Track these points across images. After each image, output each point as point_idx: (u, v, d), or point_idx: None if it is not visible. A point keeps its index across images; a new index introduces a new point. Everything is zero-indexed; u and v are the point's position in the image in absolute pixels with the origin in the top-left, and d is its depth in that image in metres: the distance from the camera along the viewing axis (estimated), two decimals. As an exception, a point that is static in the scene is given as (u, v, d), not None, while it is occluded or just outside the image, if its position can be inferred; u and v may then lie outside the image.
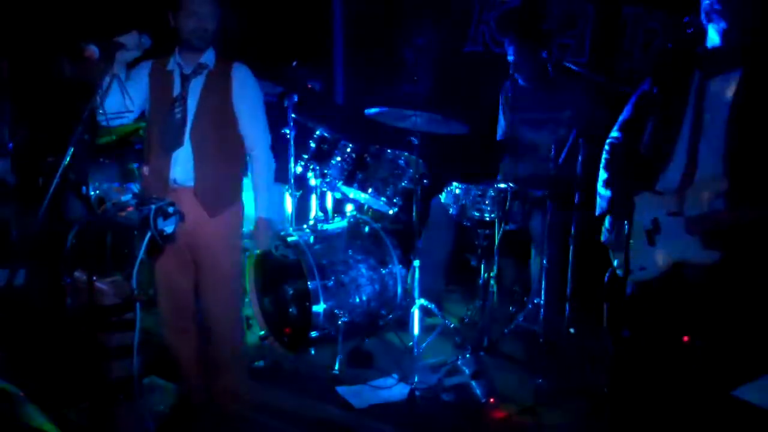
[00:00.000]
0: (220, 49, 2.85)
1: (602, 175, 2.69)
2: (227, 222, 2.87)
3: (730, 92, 2.32)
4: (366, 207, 4.28)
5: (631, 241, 2.41)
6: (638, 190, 2.50)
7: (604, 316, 3.05)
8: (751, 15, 2.30)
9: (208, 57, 2.81)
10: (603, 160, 2.72)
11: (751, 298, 2.33)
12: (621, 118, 2.72)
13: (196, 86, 2.78)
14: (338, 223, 4.20)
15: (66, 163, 2.27)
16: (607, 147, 2.72)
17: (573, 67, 3.83)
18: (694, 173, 2.38)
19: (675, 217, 2.35)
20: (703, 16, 2.39)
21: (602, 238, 2.67)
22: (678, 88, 2.42)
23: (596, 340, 3.66)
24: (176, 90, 2.79)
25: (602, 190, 2.66)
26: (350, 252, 3.99)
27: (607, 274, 2.76)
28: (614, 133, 2.72)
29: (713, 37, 2.39)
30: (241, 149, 2.90)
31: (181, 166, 2.78)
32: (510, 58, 4.11)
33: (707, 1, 2.34)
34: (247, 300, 3.97)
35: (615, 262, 2.65)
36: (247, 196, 3.01)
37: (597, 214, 2.69)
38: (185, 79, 2.77)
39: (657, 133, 2.48)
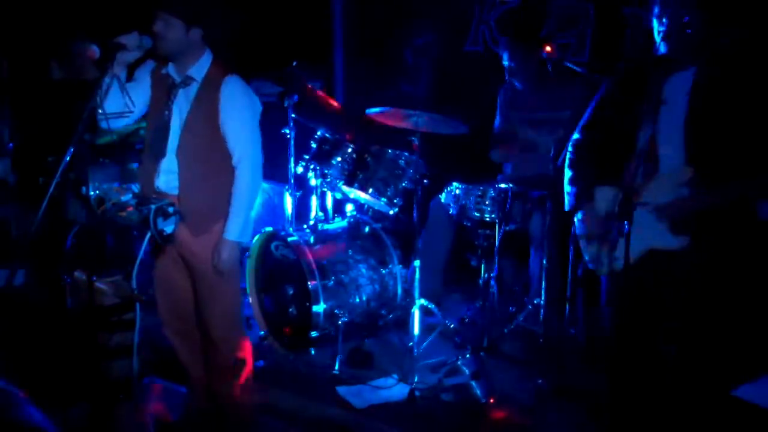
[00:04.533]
0: (218, 52, 2.77)
1: (567, 173, 2.82)
2: (214, 240, 2.74)
3: (684, 89, 2.44)
4: (366, 207, 4.28)
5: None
6: (604, 185, 2.63)
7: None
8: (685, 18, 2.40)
9: (199, 67, 2.70)
10: (567, 160, 2.84)
11: (721, 278, 2.47)
12: (582, 120, 2.84)
13: (186, 98, 2.70)
14: (338, 223, 4.20)
15: (66, 163, 2.27)
16: (570, 147, 2.86)
17: (573, 67, 3.83)
18: (657, 166, 2.50)
19: (643, 208, 2.43)
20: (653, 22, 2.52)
21: (577, 232, 2.76)
22: (636, 91, 2.56)
23: (596, 340, 3.67)
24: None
25: (568, 188, 2.79)
26: (350, 252, 3.98)
27: (579, 269, 2.85)
28: (576, 135, 2.85)
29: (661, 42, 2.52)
30: (231, 166, 2.75)
31: (166, 176, 2.72)
32: (504, 63, 4.12)
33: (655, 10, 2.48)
34: (247, 300, 3.97)
35: (587, 257, 2.71)
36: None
37: (566, 209, 2.80)
38: (174, 88, 2.71)
39: (619, 131, 2.61)
